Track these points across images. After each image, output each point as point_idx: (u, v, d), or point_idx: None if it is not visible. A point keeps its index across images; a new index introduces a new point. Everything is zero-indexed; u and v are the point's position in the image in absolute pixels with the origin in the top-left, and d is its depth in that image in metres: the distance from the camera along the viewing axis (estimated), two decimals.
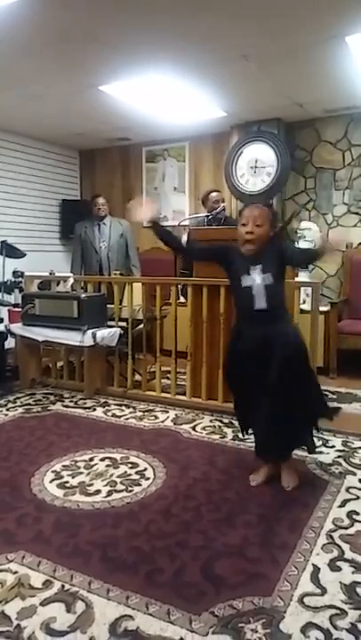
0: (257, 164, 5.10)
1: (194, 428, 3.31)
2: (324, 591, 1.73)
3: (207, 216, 4.52)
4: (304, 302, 4.21)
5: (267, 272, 2.40)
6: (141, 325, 4.06)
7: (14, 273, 5.07)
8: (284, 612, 1.62)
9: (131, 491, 2.46)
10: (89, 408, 3.76)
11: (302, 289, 4.05)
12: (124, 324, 4.05)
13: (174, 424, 3.39)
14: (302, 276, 4.71)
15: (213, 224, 4.38)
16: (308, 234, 4.89)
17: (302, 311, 3.63)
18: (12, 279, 5.03)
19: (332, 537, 2.06)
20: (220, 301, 3.49)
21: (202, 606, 1.65)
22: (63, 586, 1.76)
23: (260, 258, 2.41)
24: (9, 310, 4.67)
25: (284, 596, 1.70)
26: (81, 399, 3.96)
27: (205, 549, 1.98)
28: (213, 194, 4.67)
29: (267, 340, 2.38)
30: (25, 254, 5.17)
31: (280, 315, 2.49)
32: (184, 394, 3.81)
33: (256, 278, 2.40)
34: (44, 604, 1.68)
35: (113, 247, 5.14)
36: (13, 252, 5.05)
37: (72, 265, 5.37)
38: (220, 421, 3.43)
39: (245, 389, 2.54)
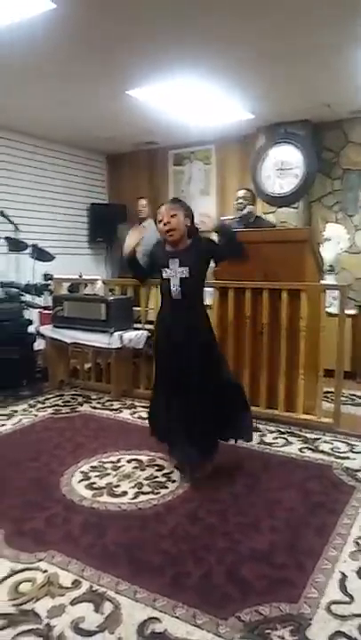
0: (283, 166, 5.07)
1: None
2: (351, 599, 1.72)
3: (233, 218, 4.51)
4: (331, 306, 4.16)
5: (183, 266, 2.60)
6: None
7: (44, 276, 5.18)
8: (311, 620, 1.62)
9: (157, 493, 2.49)
10: (116, 410, 3.81)
11: (328, 292, 4.01)
12: (150, 326, 4.07)
13: None
14: (329, 279, 4.66)
15: (241, 226, 4.37)
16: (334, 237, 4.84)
17: (329, 314, 3.60)
18: (43, 282, 5.14)
19: (359, 544, 2.04)
20: (246, 303, 3.50)
21: (228, 611, 1.66)
22: (91, 586, 1.80)
23: (180, 253, 2.64)
24: (39, 312, 4.76)
25: (311, 603, 1.70)
26: (108, 401, 4.01)
27: (231, 553, 1.99)
28: (240, 192, 4.62)
29: (182, 330, 2.62)
30: (54, 257, 5.27)
31: (195, 307, 2.69)
32: None
33: (173, 271, 2.62)
34: (73, 603, 1.71)
35: (149, 250, 5.14)
36: (44, 255, 5.16)
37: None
38: None
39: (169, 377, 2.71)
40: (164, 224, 2.61)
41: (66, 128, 5.45)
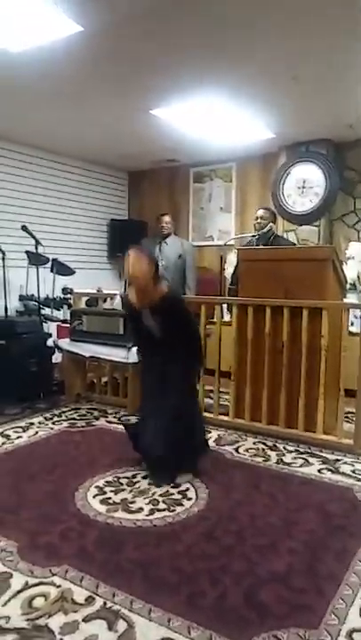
0: (305, 185, 5.07)
1: (237, 450, 3.26)
2: None
3: (253, 236, 4.51)
4: (352, 324, 4.12)
5: (157, 323, 2.78)
6: None
7: (64, 290, 5.23)
8: None
9: (173, 510, 2.45)
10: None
11: (351, 311, 3.96)
12: None
13: (217, 445, 3.36)
14: (351, 298, 4.61)
15: (260, 243, 4.37)
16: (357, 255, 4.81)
17: (351, 333, 3.55)
18: (62, 296, 5.18)
19: None
20: (266, 321, 3.47)
21: (245, 634, 1.61)
22: (105, 603, 1.76)
23: (150, 312, 2.78)
24: (58, 326, 4.79)
25: (331, 630, 1.64)
26: (124, 415, 3.99)
27: (248, 575, 1.93)
28: (259, 211, 4.62)
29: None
30: (74, 272, 5.32)
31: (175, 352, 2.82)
32: (227, 414, 3.77)
33: (148, 321, 2.81)
34: (86, 620, 1.68)
35: (170, 268, 5.11)
36: (63, 269, 5.21)
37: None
38: (264, 444, 3.37)
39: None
40: (129, 272, 2.77)
41: (88, 145, 5.54)
